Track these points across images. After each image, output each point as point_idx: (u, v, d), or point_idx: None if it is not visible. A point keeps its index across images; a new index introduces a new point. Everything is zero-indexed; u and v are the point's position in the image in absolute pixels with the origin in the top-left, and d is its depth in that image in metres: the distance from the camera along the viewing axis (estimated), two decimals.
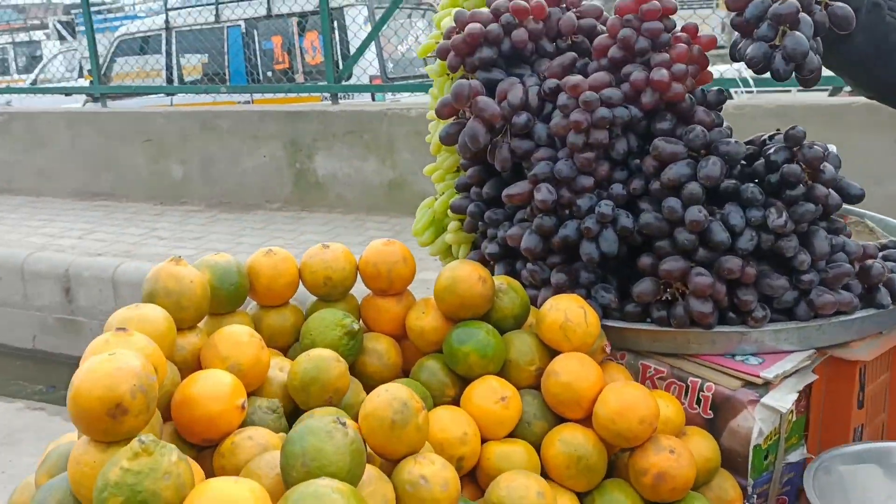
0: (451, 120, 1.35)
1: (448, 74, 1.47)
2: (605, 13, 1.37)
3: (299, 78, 8.34)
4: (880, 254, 1.34)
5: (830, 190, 1.20)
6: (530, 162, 1.28)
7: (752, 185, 1.18)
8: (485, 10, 1.35)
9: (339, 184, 6.44)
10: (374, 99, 7.51)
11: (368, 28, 7.52)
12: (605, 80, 1.22)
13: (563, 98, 1.22)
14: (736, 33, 1.17)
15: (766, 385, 1.15)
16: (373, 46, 6.89)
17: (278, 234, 5.90)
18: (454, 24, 1.38)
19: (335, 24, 7.46)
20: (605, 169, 1.24)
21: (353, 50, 7.17)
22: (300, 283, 1.23)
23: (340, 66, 6.87)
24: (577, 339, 1.14)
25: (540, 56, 1.36)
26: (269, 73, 8.67)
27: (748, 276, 1.17)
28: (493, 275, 1.38)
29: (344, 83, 6.59)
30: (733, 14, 1.15)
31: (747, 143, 1.30)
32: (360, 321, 1.26)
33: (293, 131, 6.45)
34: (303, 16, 8.28)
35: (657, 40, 1.22)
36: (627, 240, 1.23)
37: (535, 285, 1.31)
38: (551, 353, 1.17)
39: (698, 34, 1.25)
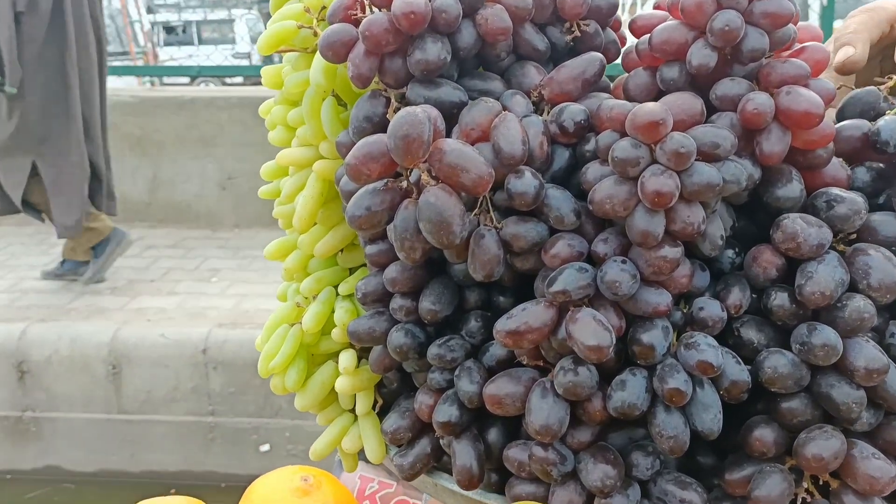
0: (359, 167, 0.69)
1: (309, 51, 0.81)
2: None
3: None
4: None
5: None
6: (539, 260, 0.68)
7: None
8: None
9: None
10: None
11: None
12: (698, 110, 0.65)
13: (623, 147, 0.63)
14: None
15: None
16: None
17: None
18: None
19: None
20: (686, 274, 0.67)
21: None
22: None
23: None
24: None
25: (519, 57, 0.75)
26: None
27: None
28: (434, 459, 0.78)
29: None
30: None
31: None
32: None
33: None
34: None
35: (777, 35, 0.66)
36: (731, 400, 0.68)
37: (544, 480, 0.71)
38: None
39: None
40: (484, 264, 0.67)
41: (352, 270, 0.88)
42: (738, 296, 0.68)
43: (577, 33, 0.74)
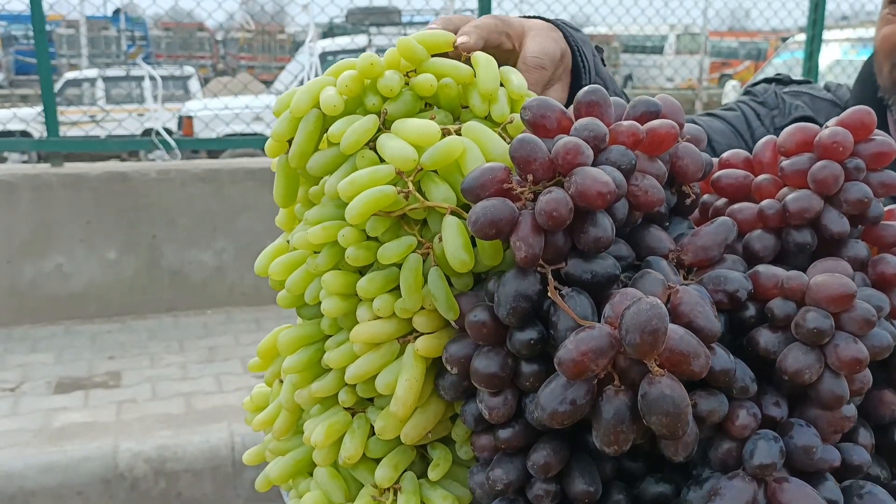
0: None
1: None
2: None
3: None
4: None
5: None
6: (710, 428, 0.67)
7: None
8: (571, 140, 0.66)
9: None
10: None
11: None
12: (850, 274, 0.69)
13: (814, 318, 0.65)
14: None
15: None
16: None
17: None
18: (514, 174, 0.66)
19: None
20: None
21: None
22: None
23: None
24: None
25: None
26: None
27: None
28: None
29: None
30: None
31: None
32: None
33: None
34: None
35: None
36: None
37: None
38: None
39: None
40: (686, 445, 0.65)
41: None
42: (867, 436, 0.74)
43: (692, 196, 0.75)
